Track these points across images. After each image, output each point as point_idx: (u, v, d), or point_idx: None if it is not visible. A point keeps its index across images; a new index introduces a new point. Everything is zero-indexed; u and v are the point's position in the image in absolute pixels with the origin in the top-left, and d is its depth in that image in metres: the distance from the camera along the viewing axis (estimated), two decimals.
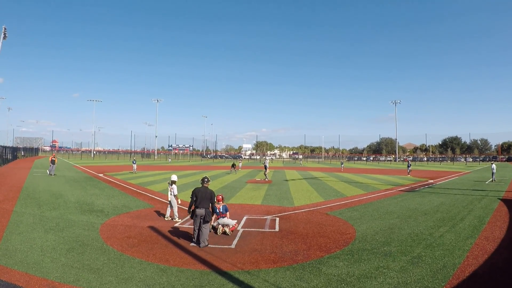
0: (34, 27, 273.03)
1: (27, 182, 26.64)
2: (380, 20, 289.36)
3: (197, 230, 10.71)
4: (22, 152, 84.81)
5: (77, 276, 7.77)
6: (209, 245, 10.50)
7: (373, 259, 9.33)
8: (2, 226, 12.23)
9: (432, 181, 34.86)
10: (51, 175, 33.73)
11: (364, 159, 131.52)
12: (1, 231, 11.53)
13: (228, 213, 12.37)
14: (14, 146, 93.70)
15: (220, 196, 12.62)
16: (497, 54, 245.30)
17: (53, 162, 35.30)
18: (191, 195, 10.99)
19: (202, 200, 10.70)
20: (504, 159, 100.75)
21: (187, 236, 11.27)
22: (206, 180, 11.35)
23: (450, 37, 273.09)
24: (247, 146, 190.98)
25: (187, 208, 11.17)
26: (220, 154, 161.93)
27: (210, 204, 10.86)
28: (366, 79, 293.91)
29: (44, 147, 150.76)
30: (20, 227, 12.21)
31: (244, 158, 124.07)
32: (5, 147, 52.96)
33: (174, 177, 15.05)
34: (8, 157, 53.48)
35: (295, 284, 7.60)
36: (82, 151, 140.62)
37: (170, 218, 14.54)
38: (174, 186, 14.74)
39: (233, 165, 48.01)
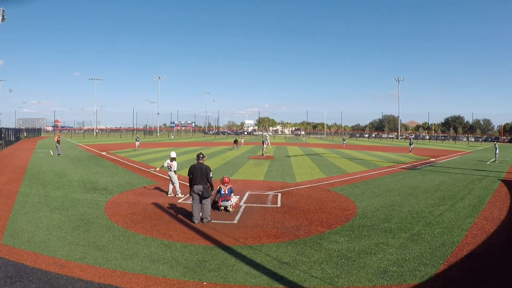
0: (32, 8, 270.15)
1: (31, 163, 26.79)
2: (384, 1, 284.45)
3: (195, 206, 10.75)
4: (25, 133, 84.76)
5: (83, 253, 7.91)
6: (212, 221, 10.66)
7: (373, 235, 9.47)
8: (8, 207, 12.37)
9: (434, 159, 34.92)
10: (59, 155, 33.86)
11: (366, 136, 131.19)
12: (7, 212, 11.67)
13: (232, 194, 12.44)
14: (16, 127, 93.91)
15: (227, 178, 12.55)
16: (502, 36, 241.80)
17: (58, 142, 35.45)
18: (188, 172, 11.04)
19: (198, 176, 10.70)
20: (506, 140, 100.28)
21: (190, 212, 11.36)
22: (201, 156, 11.27)
23: (455, 19, 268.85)
24: (249, 122, 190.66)
25: (188, 185, 11.24)
26: (222, 130, 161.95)
27: (207, 180, 10.83)
28: (369, 57, 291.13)
29: (47, 127, 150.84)
30: (26, 208, 12.35)
31: (245, 134, 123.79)
32: (7, 129, 52.96)
33: (173, 154, 15.25)
34: (11, 138, 53.52)
35: (297, 258, 7.75)
36: (84, 130, 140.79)
37: (172, 195, 14.71)
38: (173, 162, 14.82)
39: (236, 141, 47.98)
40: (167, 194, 14.90)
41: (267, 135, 52.20)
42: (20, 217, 11.06)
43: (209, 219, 10.64)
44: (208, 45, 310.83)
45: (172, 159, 14.88)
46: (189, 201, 12.99)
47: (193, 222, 10.58)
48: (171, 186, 15.02)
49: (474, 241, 9.06)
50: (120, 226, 10.14)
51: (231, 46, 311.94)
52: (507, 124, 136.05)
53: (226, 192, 12.03)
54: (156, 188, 16.69)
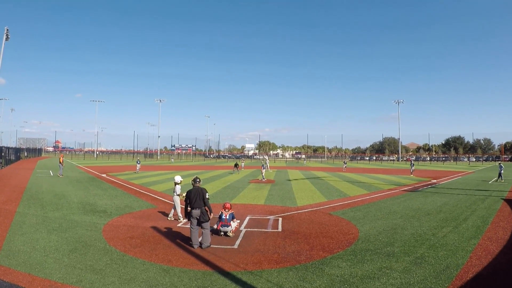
0: (36, 29, 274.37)
1: (30, 183, 26.71)
2: (382, 22, 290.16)
3: (193, 231, 10.61)
4: (25, 153, 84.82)
5: (80, 276, 7.77)
6: (211, 246, 10.49)
7: (376, 260, 9.31)
8: (5, 227, 12.26)
9: (435, 181, 34.77)
10: (61, 175, 33.78)
11: (367, 158, 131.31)
12: (4, 232, 11.55)
13: (233, 219, 12.32)
14: (17, 146, 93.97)
15: (228, 204, 12.47)
16: (500, 55, 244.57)
17: (61, 162, 35.41)
18: (185, 198, 10.95)
19: (195, 200, 10.61)
20: (507, 159, 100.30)
21: (189, 236, 11.20)
22: (198, 180, 11.28)
23: (453, 38, 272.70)
24: (250, 146, 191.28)
25: (184, 209, 11.14)
26: (223, 154, 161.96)
27: (204, 202, 10.70)
28: (369, 79, 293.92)
29: (47, 148, 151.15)
30: (23, 228, 12.24)
31: (246, 158, 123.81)
32: (8, 148, 53.07)
33: (176, 178, 15.03)
34: (11, 158, 53.54)
35: (298, 284, 7.59)
36: (85, 152, 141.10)
37: (173, 219, 14.55)
38: (177, 186, 14.75)
39: (236, 165, 47.91)
40: (167, 217, 14.74)
41: (267, 159, 52.05)
42: (17, 237, 10.94)
43: (208, 244, 10.45)
44: (209, 69, 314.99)
45: (175, 183, 14.79)
46: (188, 226, 12.87)
47: (193, 247, 10.42)
48: (173, 210, 14.90)
49: (479, 263, 8.92)
50: (118, 250, 9.98)
51: (231, 69, 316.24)
52: (507, 142, 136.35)
53: (227, 217, 11.90)
54: (156, 211, 16.52)
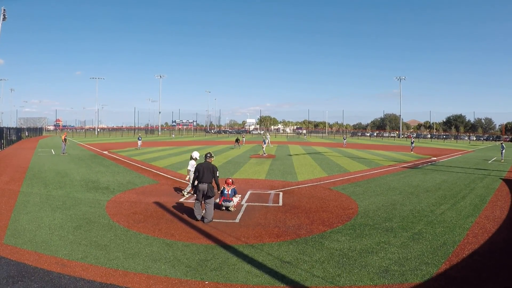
0: (33, 8, 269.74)
1: (33, 162, 26.77)
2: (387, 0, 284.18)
3: (197, 204, 10.79)
4: (26, 133, 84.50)
5: (85, 253, 7.93)
6: (213, 220, 10.66)
7: (374, 234, 9.48)
8: (10, 207, 12.36)
9: (435, 158, 34.88)
10: (64, 153, 33.94)
11: (368, 134, 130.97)
12: (9, 212, 11.67)
13: (235, 195, 12.45)
14: (18, 126, 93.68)
15: (230, 180, 12.58)
16: (504, 36, 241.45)
17: (65, 140, 35.51)
18: (194, 171, 11.08)
19: (204, 175, 10.68)
20: (508, 139, 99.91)
21: (192, 211, 11.33)
22: (208, 155, 11.39)
23: (457, 19, 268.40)
24: (251, 121, 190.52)
25: (191, 183, 11.30)
26: (224, 129, 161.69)
27: (214, 179, 10.88)
28: (371, 56, 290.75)
29: (48, 127, 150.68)
30: (28, 207, 12.34)
31: (247, 133, 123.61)
32: (9, 128, 52.93)
33: (193, 154, 14.52)
34: (13, 138, 53.44)
35: (298, 257, 7.76)
36: (86, 129, 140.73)
37: (190, 194, 14.44)
38: (191, 161, 14.27)
39: (237, 140, 47.90)
40: (183, 192, 14.76)
41: (268, 134, 52.24)
42: (22, 216, 11.06)
43: (210, 219, 10.61)
44: (210, 44, 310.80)
45: (191, 158, 14.37)
46: (191, 200, 13.02)
47: (196, 219, 10.67)
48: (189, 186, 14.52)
49: (476, 240, 9.05)
50: (122, 226, 10.15)
51: (232, 45, 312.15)
52: (508, 123, 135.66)
53: (229, 192, 12.04)
54: (158, 187, 16.71)
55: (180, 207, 12.60)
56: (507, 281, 6.75)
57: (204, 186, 10.62)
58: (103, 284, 6.31)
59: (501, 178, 20.52)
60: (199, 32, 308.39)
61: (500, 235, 9.59)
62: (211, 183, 10.77)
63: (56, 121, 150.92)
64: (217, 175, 11.01)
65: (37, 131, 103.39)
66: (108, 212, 11.78)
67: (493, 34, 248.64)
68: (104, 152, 37.93)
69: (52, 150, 39.03)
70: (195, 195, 10.94)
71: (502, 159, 32.98)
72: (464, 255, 7.99)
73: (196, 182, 10.82)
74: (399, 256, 7.89)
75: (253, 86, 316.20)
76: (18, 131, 68.05)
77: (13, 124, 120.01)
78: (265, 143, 37.08)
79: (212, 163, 11.23)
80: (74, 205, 12.75)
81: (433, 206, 13.05)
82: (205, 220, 10.55)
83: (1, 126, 52.34)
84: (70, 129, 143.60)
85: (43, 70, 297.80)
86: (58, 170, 22.31)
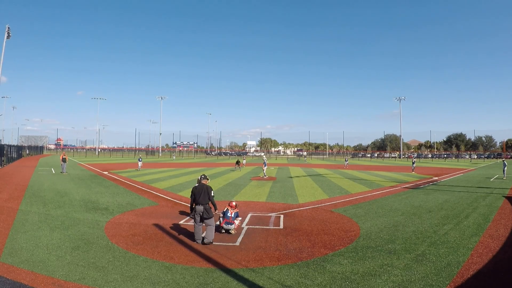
0: (37, 27, 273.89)
1: (32, 181, 26.75)
2: (384, 20, 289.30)
3: (197, 227, 10.80)
4: (27, 151, 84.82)
5: (82, 274, 7.81)
6: (213, 243, 10.54)
7: (377, 257, 9.34)
8: (8, 225, 12.29)
9: (437, 178, 34.76)
10: (62, 173, 33.95)
11: (369, 155, 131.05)
12: (7, 230, 11.59)
13: (238, 218, 12.37)
14: (19, 144, 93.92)
15: (234, 203, 12.56)
16: (501, 53, 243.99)
17: (64, 160, 35.58)
18: (191, 194, 11.15)
19: (199, 197, 10.78)
20: (509, 156, 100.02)
21: (191, 233, 11.29)
22: (203, 177, 11.51)
23: (455, 36, 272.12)
24: (252, 143, 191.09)
25: (190, 206, 11.31)
26: (224, 151, 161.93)
27: (210, 199, 10.94)
28: (370, 77, 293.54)
29: (49, 145, 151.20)
30: (26, 226, 12.27)
31: (248, 154, 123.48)
32: (10, 146, 53.06)
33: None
34: (13, 155, 53.54)
35: (300, 281, 7.63)
36: (86, 149, 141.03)
37: None
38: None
39: (238, 162, 47.88)
40: None
41: (265, 157, 52.58)
42: (19, 235, 10.97)
43: (211, 240, 10.53)
44: (211, 67, 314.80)
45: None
46: (191, 223, 12.91)
47: (196, 242, 10.61)
48: None
49: (480, 260, 8.94)
50: (121, 247, 10.03)
51: (233, 67, 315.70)
52: (509, 140, 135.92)
53: (232, 215, 11.96)
54: (158, 209, 16.58)
55: (180, 229, 12.48)
56: None
57: (200, 208, 10.67)
58: None
59: (503, 196, 20.42)
60: (199, 54, 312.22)
61: (505, 254, 9.47)
62: (207, 204, 10.81)
63: (57, 140, 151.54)
64: (212, 195, 11.08)
65: (38, 150, 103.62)
66: (107, 233, 11.65)
67: (490, 50, 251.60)
68: (104, 172, 37.90)
69: (53, 169, 39.01)
70: (193, 218, 10.94)
71: (504, 177, 32.87)
72: (469, 276, 7.87)
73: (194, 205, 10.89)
74: (402, 278, 7.75)
75: (253, 108, 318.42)
76: (19, 149, 68.20)
77: (14, 142, 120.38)
78: (265, 165, 37.02)
79: (210, 184, 11.27)
80: (72, 225, 12.63)
81: (436, 226, 12.91)
82: (205, 240, 10.48)
83: (2, 143, 52.29)
84: (71, 148, 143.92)
85: (45, 89, 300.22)
86: (58, 189, 22.22)
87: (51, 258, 8.85)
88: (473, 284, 7.41)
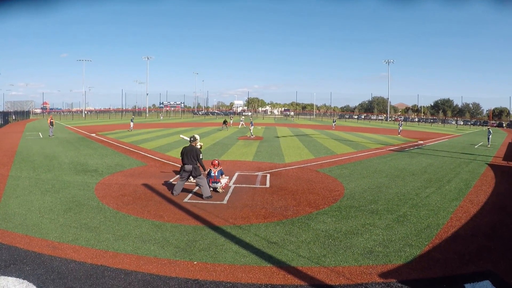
0: None
1: (21, 146, 26.42)
2: None
3: (180, 182, 11.65)
4: (13, 116, 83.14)
5: (75, 235, 8.00)
6: (201, 202, 10.87)
7: (360, 216, 9.69)
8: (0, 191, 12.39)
9: (422, 142, 35.12)
10: (50, 136, 33.70)
11: (356, 117, 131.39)
12: None
13: (222, 175, 12.54)
14: (4, 110, 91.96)
15: (216, 161, 12.63)
16: (492, 22, 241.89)
17: (51, 124, 35.21)
18: (180, 154, 11.81)
19: (188, 158, 11.30)
20: (494, 125, 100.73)
21: (181, 192, 11.67)
22: (192, 139, 11.93)
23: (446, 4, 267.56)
24: (239, 103, 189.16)
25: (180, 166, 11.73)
26: (211, 110, 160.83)
27: (198, 161, 11.44)
28: (359, 39, 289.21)
29: (35, 110, 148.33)
30: (17, 191, 12.30)
31: (239, 114, 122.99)
32: None
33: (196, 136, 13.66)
34: (0, 122, 52.72)
35: (285, 238, 7.94)
36: (73, 112, 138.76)
37: None
38: (186, 138, 13.76)
39: (225, 122, 47.74)
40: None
41: (243, 117, 53.08)
42: (11, 200, 11.04)
43: (209, 195, 11.17)
44: (198, 26, 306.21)
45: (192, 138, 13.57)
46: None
47: (172, 194, 11.53)
48: None
49: (459, 224, 9.25)
50: (111, 208, 10.24)
51: (220, 26, 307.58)
52: (496, 108, 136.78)
53: (216, 174, 12.14)
54: (147, 169, 16.74)
55: (169, 189, 12.66)
56: (488, 264, 6.94)
57: (189, 167, 11.27)
58: (93, 266, 6.42)
59: (486, 163, 20.74)
60: (186, 13, 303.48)
61: (483, 219, 9.80)
62: (195, 164, 11.32)
63: (43, 104, 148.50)
64: (201, 157, 11.60)
65: (24, 115, 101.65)
66: (97, 194, 11.83)
67: (482, 20, 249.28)
68: (92, 134, 37.59)
69: (40, 133, 38.55)
70: (180, 174, 11.70)
71: (488, 145, 33.31)
72: (447, 238, 8.19)
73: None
74: (383, 237, 8.09)
75: (240, 67, 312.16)
76: (5, 115, 66.87)
77: (0, 108, 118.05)
78: (252, 124, 37.11)
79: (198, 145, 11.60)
80: (63, 188, 12.77)
81: (418, 189, 13.29)
82: (204, 196, 11.13)
83: None
84: (57, 111, 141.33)
85: (29, 53, 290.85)
86: (47, 153, 22.14)
87: (44, 221, 8.99)
88: (451, 246, 7.73)
